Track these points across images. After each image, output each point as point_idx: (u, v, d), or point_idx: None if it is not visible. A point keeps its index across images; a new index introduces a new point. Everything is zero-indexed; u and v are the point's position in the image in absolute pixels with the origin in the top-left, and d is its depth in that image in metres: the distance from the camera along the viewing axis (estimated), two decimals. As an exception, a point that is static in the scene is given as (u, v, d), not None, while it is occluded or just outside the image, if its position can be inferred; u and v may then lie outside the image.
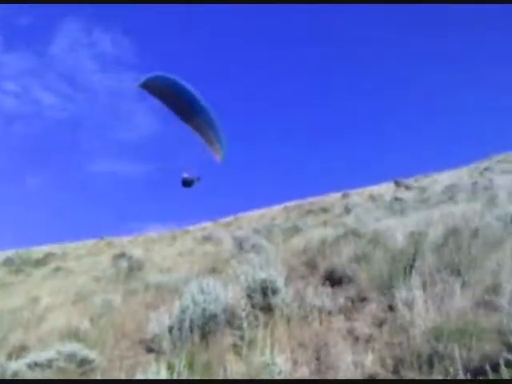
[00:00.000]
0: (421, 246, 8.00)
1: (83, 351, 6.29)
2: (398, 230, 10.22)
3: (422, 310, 5.32)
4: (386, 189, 38.25)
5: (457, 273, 6.41)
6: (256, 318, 6.31)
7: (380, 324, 5.81)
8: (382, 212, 18.47)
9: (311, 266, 9.73)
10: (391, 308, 6.09)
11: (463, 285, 5.89)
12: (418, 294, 5.65)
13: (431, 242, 8.36)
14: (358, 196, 35.77)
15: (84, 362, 6.18)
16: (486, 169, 31.51)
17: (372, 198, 30.85)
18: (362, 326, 5.88)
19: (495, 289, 5.36)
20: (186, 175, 11.38)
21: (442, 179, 32.78)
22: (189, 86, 10.34)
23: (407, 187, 34.17)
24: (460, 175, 32.82)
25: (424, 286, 5.97)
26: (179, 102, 10.42)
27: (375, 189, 41.34)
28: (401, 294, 5.84)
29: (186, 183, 11.35)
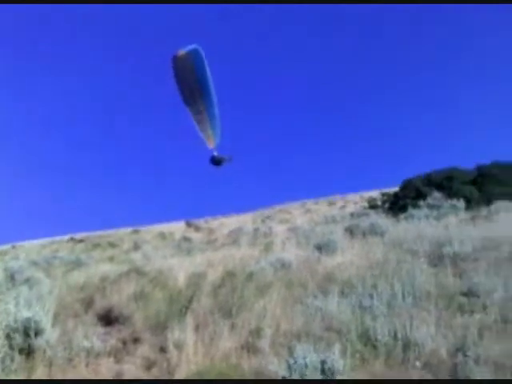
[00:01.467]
0: (199, 287, 8.22)
1: None
2: (181, 270, 10.37)
3: (191, 352, 5.40)
4: (177, 228, 38.84)
5: (228, 315, 6.69)
6: (12, 360, 5.69)
7: (149, 366, 5.71)
8: (169, 251, 18.65)
9: (88, 303, 9.20)
10: (163, 350, 6.04)
11: (232, 327, 6.16)
12: (190, 335, 5.74)
13: (210, 284, 8.65)
14: (149, 233, 35.65)
15: None
16: (267, 217, 34.17)
17: (162, 235, 31.00)
18: (131, 369, 5.71)
19: (258, 332, 5.72)
20: (215, 153, 11.27)
21: (230, 223, 34.59)
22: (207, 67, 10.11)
23: (197, 228, 35.24)
24: (245, 220, 35.02)
25: (197, 328, 6.10)
26: (195, 81, 10.14)
27: (166, 227, 41.68)
28: (173, 335, 5.86)
29: (216, 161, 11.28)
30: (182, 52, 9.62)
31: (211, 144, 11.12)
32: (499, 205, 17.02)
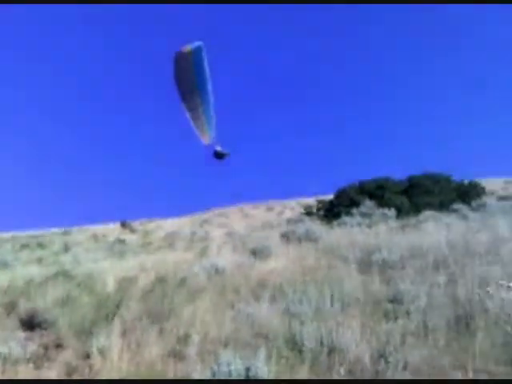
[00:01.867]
0: (129, 292, 8.03)
1: None
2: (111, 273, 10.10)
3: (115, 358, 5.24)
4: (111, 229, 37.90)
5: (157, 321, 6.57)
6: None
7: (70, 373, 5.50)
8: (102, 253, 18.14)
9: (10, 307, 8.77)
10: (87, 356, 5.84)
11: (160, 333, 6.05)
12: (116, 341, 5.58)
13: (140, 289, 8.47)
14: (81, 234, 34.54)
15: None
16: (205, 221, 34.00)
17: (95, 237, 30.13)
18: (50, 376, 5.48)
19: (186, 338, 5.64)
20: (219, 148, 11.69)
21: (167, 225, 34.13)
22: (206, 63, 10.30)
23: (132, 230, 34.53)
24: (183, 224, 34.65)
25: (124, 334, 5.95)
26: (191, 78, 10.39)
27: (100, 228, 40.57)
28: (98, 341, 5.67)
29: (219, 155, 11.73)
30: (187, 48, 9.87)
31: (206, 139, 11.40)
32: (427, 214, 17.73)
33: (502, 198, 24.97)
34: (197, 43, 10.02)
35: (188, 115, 11.02)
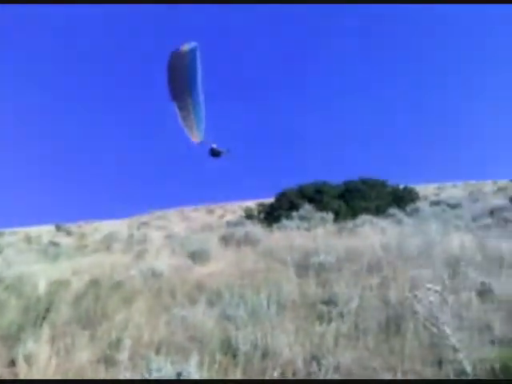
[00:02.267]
0: (60, 296, 7.75)
1: None
2: (42, 276, 9.71)
3: (42, 365, 5.03)
4: (45, 231, 36.56)
5: (89, 325, 6.38)
6: None
7: (-7, 382, 5.23)
8: (34, 256, 17.43)
9: None
10: (13, 363, 5.57)
11: (91, 339, 5.87)
12: (44, 347, 5.36)
13: (72, 292, 8.19)
14: (14, 236, 33.09)
15: None
16: (144, 223, 33.41)
17: (28, 239, 28.93)
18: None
19: (118, 343, 5.49)
20: (214, 145, 11.87)
21: (104, 228, 33.29)
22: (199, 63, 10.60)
23: (68, 232, 33.45)
24: (121, 226, 33.91)
25: (53, 340, 5.72)
26: (185, 78, 10.56)
27: (35, 230, 39.05)
28: (26, 347, 5.42)
29: (215, 153, 11.89)
30: (185, 47, 10.07)
31: (195, 138, 11.59)
32: (364, 218, 18.18)
33: (434, 204, 25.98)
34: (193, 43, 10.19)
35: (178, 114, 11.18)
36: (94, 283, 8.65)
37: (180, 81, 10.69)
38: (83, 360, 5.25)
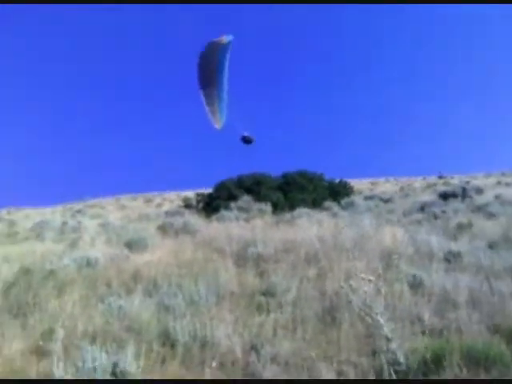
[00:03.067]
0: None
1: None
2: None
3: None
4: (-29, 218, 34.65)
5: (20, 315, 6.15)
6: None
7: None
8: (-42, 243, 16.50)
9: None
10: None
11: (23, 329, 5.67)
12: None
13: (2, 281, 7.84)
14: None
15: None
16: (78, 211, 32.38)
17: (-49, 225, 27.30)
18: None
19: (51, 333, 5.31)
20: (246, 133, 12.57)
21: (36, 215, 32.01)
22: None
23: (-2, 219, 31.86)
24: (53, 213, 32.73)
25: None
26: (214, 68, 11.28)
27: (-42, 216, 36.91)
28: (-50, 339, 5.16)
29: (247, 140, 12.68)
30: (223, 39, 10.67)
31: (217, 124, 12.23)
32: (301, 210, 18.43)
33: (368, 198, 26.78)
34: (230, 36, 10.80)
35: (204, 100, 11.77)
36: (26, 272, 8.30)
37: (210, 70, 11.32)
38: (13, 350, 5.06)
